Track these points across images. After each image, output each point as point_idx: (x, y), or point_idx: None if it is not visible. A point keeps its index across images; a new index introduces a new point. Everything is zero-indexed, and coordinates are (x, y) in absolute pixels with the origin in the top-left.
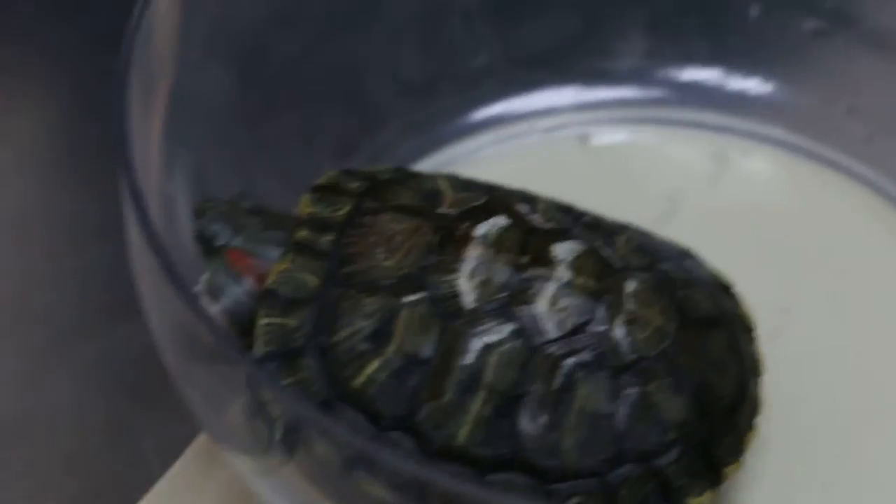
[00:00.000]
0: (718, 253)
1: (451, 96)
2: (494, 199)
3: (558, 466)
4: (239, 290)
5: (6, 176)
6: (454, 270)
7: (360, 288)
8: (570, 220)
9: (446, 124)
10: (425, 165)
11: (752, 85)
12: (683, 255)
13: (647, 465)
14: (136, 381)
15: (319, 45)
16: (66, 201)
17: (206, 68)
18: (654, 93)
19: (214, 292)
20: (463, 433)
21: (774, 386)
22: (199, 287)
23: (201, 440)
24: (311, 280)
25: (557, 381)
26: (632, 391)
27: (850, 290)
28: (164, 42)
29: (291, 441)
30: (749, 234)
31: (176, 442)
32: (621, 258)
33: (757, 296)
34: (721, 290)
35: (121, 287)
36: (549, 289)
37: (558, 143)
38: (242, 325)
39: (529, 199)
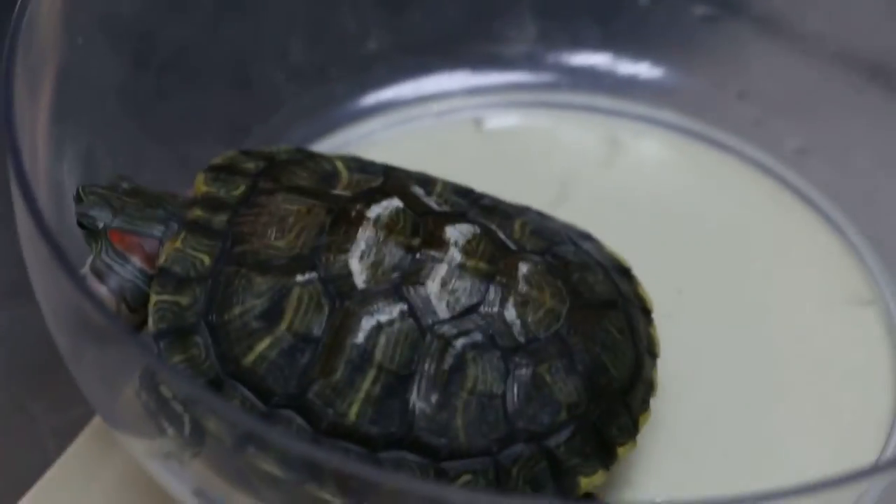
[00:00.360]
0: (612, 236)
1: (342, 80)
2: (390, 181)
3: (449, 445)
4: (126, 269)
5: None
6: (346, 251)
7: (252, 267)
8: (467, 203)
9: (339, 108)
10: (319, 149)
11: (643, 69)
12: (582, 238)
13: (539, 445)
14: (33, 363)
15: (210, 29)
16: None
17: (94, 53)
18: (545, 77)
19: (101, 273)
20: (353, 411)
21: (668, 366)
22: (85, 269)
23: (98, 421)
24: (204, 259)
25: (448, 361)
26: (523, 372)
27: (742, 270)
28: (50, 26)
29: (200, 432)
30: (642, 216)
31: (73, 424)
32: (516, 241)
33: (650, 277)
34: (619, 272)
35: (14, 269)
36: (441, 270)
37: (451, 126)
38: (135, 302)
39: (426, 181)
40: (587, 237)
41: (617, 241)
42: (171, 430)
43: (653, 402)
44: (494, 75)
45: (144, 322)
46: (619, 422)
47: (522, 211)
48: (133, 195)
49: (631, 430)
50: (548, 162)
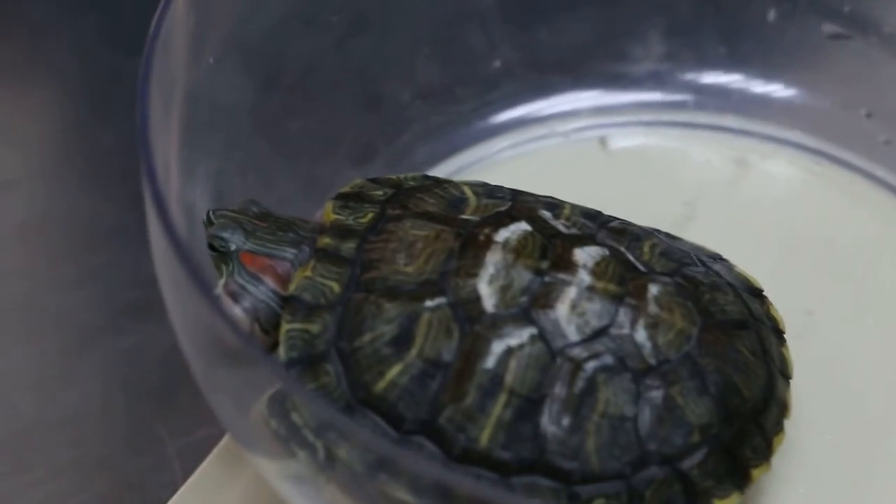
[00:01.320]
0: (739, 256)
1: (469, 100)
2: (517, 205)
3: (581, 469)
4: (259, 290)
5: (19, 178)
6: (475, 275)
7: (382, 293)
8: (596, 226)
9: (465, 128)
10: (444, 169)
11: (771, 88)
12: (712, 260)
13: (672, 468)
14: (159, 385)
15: (338, 50)
16: (81, 203)
17: (224, 74)
18: (671, 96)
19: (235, 294)
20: (484, 436)
21: (798, 389)
22: (218, 290)
23: (226, 443)
24: (334, 286)
25: (579, 384)
26: (655, 394)
27: (873, 292)
28: (182, 48)
29: (332, 459)
30: (770, 237)
31: (199, 445)
32: (645, 263)
33: (779, 299)
34: (751, 293)
35: (140, 288)
36: (570, 293)
37: (577, 146)
38: (268, 324)
39: (554, 205)
40: (717, 258)
41: (744, 261)
42: (303, 455)
43: (785, 425)
44: (620, 94)
45: (276, 345)
46: (753, 443)
47: (651, 233)
48: (263, 219)
49: (765, 452)
50: (674, 182)
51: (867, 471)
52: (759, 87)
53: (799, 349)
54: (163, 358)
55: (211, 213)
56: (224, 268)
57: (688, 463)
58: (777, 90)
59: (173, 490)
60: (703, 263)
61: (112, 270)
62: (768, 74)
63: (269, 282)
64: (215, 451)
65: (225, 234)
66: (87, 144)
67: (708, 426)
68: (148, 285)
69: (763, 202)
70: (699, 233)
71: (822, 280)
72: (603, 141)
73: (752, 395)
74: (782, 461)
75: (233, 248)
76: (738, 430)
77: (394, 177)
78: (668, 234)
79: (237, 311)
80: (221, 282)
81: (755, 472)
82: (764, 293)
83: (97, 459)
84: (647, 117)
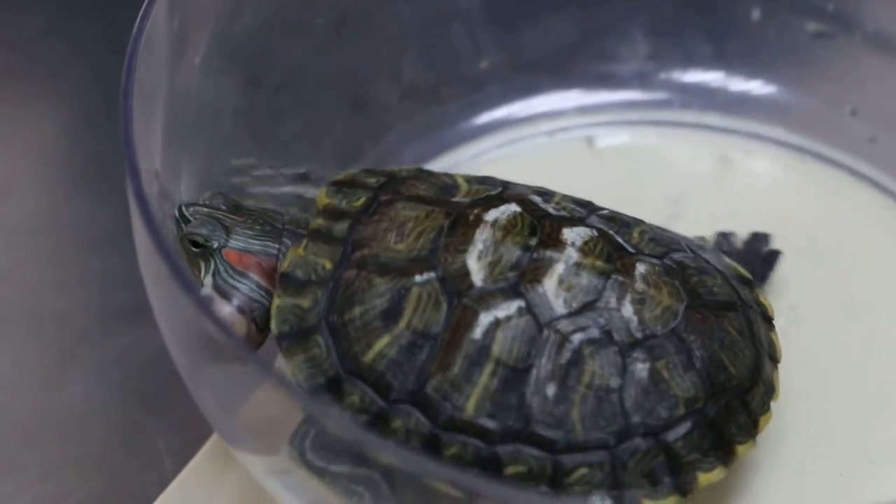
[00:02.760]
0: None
1: (454, 100)
2: (508, 190)
3: (566, 438)
4: (248, 286)
5: (14, 183)
6: (464, 251)
7: (373, 269)
8: (586, 212)
9: (451, 128)
10: (431, 168)
11: (755, 86)
12: (702, 249)
13: (656, 439)
14: (150, 385)
15: (324, 51)
16: (75, 207)
17: (209, 74)
18: (657, 95)
19: (226, 293)
20: (471, 405)
21: (785, 381)
22: (206, 290)
23: (213, 442)
24: (326, 263)
25: (565, 355)
26: (640, 367)
27: (856, 287)
28: (166, 48)
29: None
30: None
31: (189, 444)
32: (634, 245)
33: (763, 294)
34: (740, 280)
35: (132, 291)
36: (558, 268)
37: (563, 145)
38: (262, 322)
39: (545, 192)
40: (707, 248)
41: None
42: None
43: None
44: (606, 94)
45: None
46: (738, 420)
47: (640, 221)
48: (237, 212)
49: (750, 430)
50: (660, 180)
51: (847, 465)
52: (744, 85)
53: (783, 343)
54: (154, 359)
55: (183, 208)
56: (203, 265)
57: (672, 435)
58: (761, 88)
59: (164, 488)
60: (692, 250)
61: (105, 274)
62: (752, 73)
63: (256, 278)
64: (203, 449)
65: (204, 231)
66: (80, 151)
67: (693, 400)
68: (142, 288)
69: (747, 199)
70: (684, 229)
71: (805, 275)
72: (589, 140)
73: (739, 373)
74: (766, 451)
75: (215, 245)
76: (723, 406)
77: (387, 168)
78: (658, 227)
79: (228, 310)
80: (208, 281)
81: (740, 449)
82: (753, 281)
83: (91, 459)
84: (632, 116)
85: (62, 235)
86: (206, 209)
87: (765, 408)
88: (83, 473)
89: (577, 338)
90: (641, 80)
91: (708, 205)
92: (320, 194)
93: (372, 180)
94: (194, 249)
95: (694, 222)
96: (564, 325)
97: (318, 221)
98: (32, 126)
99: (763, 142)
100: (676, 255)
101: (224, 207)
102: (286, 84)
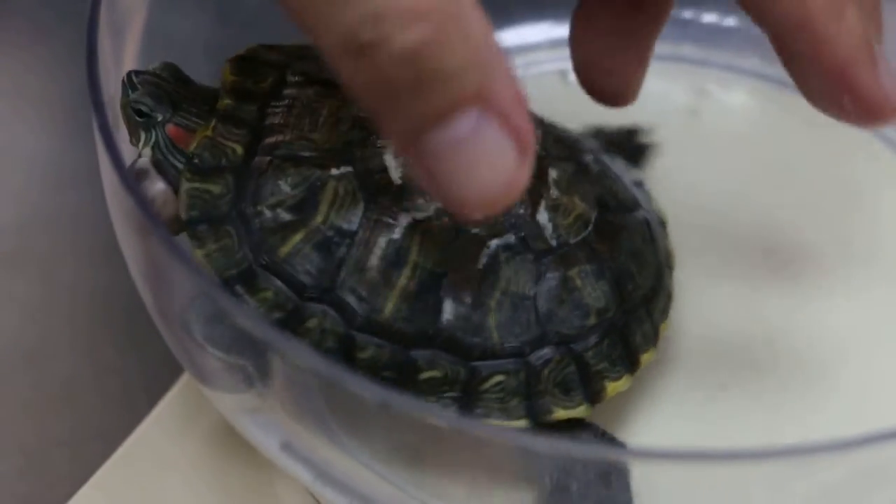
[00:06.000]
0: (700, 185)
1: None
2: None
3: (482, 345)
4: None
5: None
6: (382, 146)
7: (286, 158)
8: None
9: None
10: None
11: (729, 17)
12: (597, 151)
13: (568, 349)
14: (121, 323)
15: None
16: (47, 143)
17: (179, 9)
18: None
19: (162, 168)
20: (388, 307)
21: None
22: (143, 162)
23: (185, 381)
24: (237, 148)
25: (482, 260)
26: (555, 274)
27: (834, 212)
28: None
29: (263, 369)
30: (730, 164)
31: (165, 385)
32: (542, 145)
33: (739, 223)
34: (634, 183)
35: (105, 233)
36: None
37: (537, 79)
38: None
39: None
40: (597, 150)
41: (705, 190)
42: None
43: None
44: None
45: None
46: (643, 329)
47: (541, 120)
48: (184, 85)
49: (653, 338)
50: (635, 113)
51: (735, 369)
52: (717, 16)
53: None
54: (126, 298)
55: (133, 75)
56: (144, 135)
57: (583, 345)
58: (734, 19)
59: (135, 428)
60: (592, 151)
61: (80, 212)
62: (725, 3)
63: None
64: (174, 388)
65: (150, 102)
66: (61, 86)
67: (604, 310)
68: (112, 231)
69: (723, 131)
70: (660, 162)
71: (782, 205)
72: (563, 74)
73: (644, 282)
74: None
75: (159, 118)
76: (630, 315)
77: (290, 45)
78: (551, 123)
79: (161, 186)
80: (146, 152)
81: (644, 357)
82: (644, 182)
83: (61, 398)
84: None
85: (34, 172)
86: (155, 79)
87: (664, 316)
88: (53, 412)
89: (493, 243)
90: None
91: (683, 136)
92: (224, 71)
93: (274, 57)
94: (137, 119)
95: (669, 155)
96: (481, 230)
97: (226, 101)
98: (3, 64)
99: (738, 73)
100: (583, 158)
101: (173, 81)
102: (255, 21)
